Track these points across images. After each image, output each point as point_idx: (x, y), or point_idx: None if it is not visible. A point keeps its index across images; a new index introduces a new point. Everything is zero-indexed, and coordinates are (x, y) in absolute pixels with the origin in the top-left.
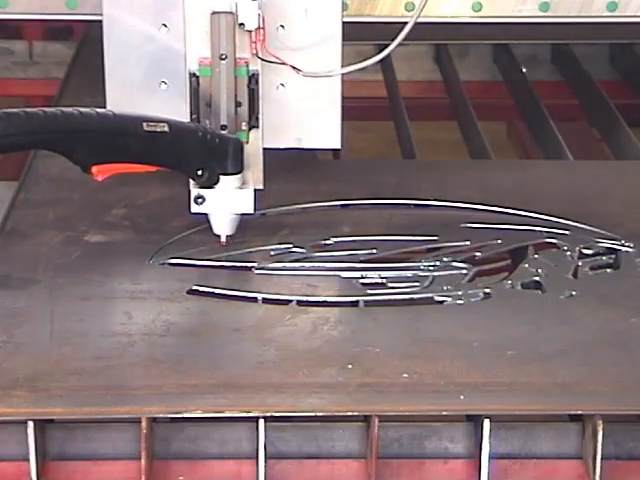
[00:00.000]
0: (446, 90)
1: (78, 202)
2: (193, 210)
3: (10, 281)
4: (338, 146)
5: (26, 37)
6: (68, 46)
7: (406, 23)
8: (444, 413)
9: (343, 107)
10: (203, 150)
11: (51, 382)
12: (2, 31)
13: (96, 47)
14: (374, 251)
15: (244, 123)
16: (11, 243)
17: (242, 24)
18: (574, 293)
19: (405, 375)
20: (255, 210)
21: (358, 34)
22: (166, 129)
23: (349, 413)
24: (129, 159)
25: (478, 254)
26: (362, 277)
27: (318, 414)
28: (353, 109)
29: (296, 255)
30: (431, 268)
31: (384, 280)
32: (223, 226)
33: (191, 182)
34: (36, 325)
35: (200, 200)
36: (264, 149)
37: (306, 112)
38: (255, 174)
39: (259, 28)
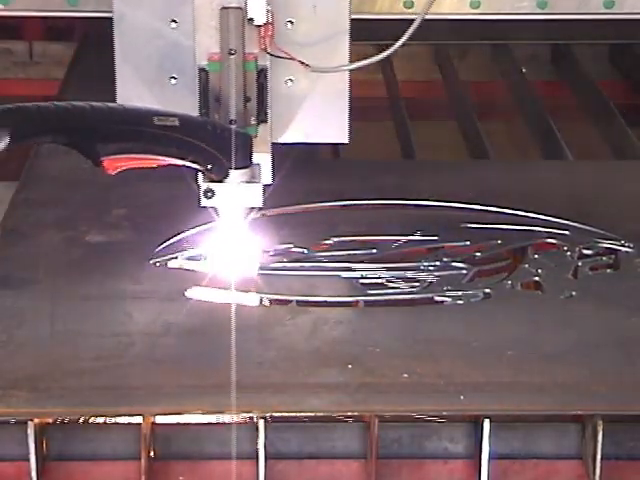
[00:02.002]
0: (446, 90)
1: (78, 202)
2: (203, 204)
3: (10, 281)
4: (346, 140)
5: (26, 37)
6: (68, 46)
7: (405, 20)
8: (444, 413)
9: None
10: (212, 144)
11: (51, 382)
12: (2, 31)
13: (96, 47)
14: (374, 251)
15: (253, 118)
16: (11, 243)
17: (251, 19)
18: (574, 293)
19: (405, 375)
20: (263, 204)
21: (356, 34)
22: (176, 123)
23: (349, 413)
24: (139, 153)
25: (478, 254)
26: (362, 277)
27: (318, 414)
28: (353, 109)
29: (296, 255)
30: (431, 268)
31: (384, 280)
32: (232, 220)
33: (200, 176)
34: (36, 325)
35: (209, 194)
36: (272, 144)
37: (314, 107)
38: (264, 168)
39: (268, 23)
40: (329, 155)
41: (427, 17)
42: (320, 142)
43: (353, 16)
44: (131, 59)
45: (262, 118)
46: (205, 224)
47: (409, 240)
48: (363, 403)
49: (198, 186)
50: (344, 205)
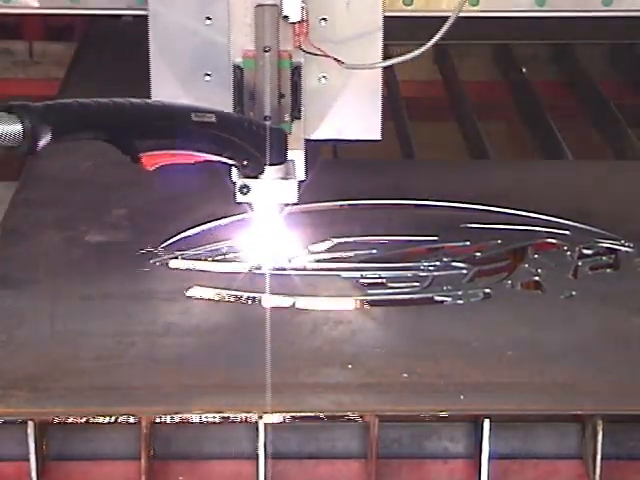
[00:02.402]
0: (446, 90)
1: (78, 202)
2: (238, 200)
3: (10, 281)
4: (378, 137)
5: (26, 37)
6: (68, 46)
7: (405, 17)
8: (444, 413)
9: None
10: (249, 140)
11: (51, 382)
12: (2, 31)
13: (96, 47)
14: (374, 251)
15: (287, 114)
16: (11, 243)
17: (286, 17)
18: (574, 293)
19: (405, 375)
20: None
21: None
22: (213, 119)
23: (349, 413)
24: (177, 149)
25: (478, 254)
26: (362, 277)
27: (318, 414)
28: None
29: (296, 255)
30: (431, 268)
31: (384, 280)
32: (266, 216)
33: (234, 172)
34: (36, 325)
35: (245, 190)
36: (305, 140)
37: (347, 104)
38: (297, 165)
39: (302, 21)
40: (329, 155)
41: (426, 15)
42: (352, 139)
43: None
44: (166, 56)
45: (296, 115)
46: (205, 223)
47: (409, 240)
48: (363, 403)
49: (233, 182)
50: (344, 205)
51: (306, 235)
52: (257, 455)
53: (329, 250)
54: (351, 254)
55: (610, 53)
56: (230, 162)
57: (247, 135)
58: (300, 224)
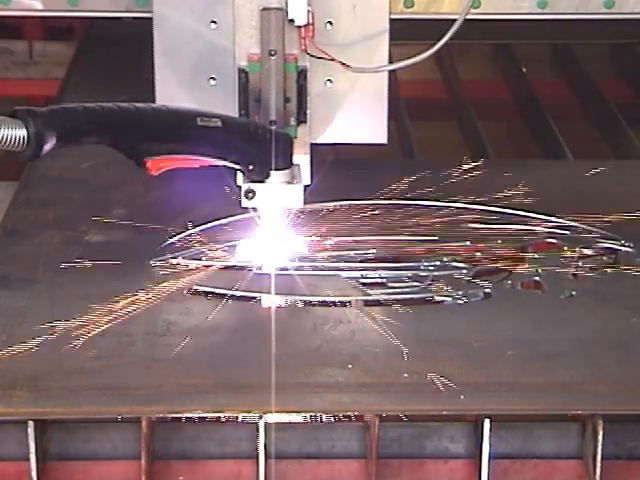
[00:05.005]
0: (446, 89)
1: (78, 202)
2: (244, 204)
3: (10, 281)
4: (384, 141)
5: (26, 37)
6: (68, 46)
7: (403, 20)
8: (444, 413)
9: None
10: (254, 145)
11: (51, 382)
12: (2, 31)
13: (96, 47)
14: (374, 251)
15: (292, 118)
16: (11, 243)
17: (292, 20)
18: (574, 293)
19: (405, 375)
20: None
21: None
22: (219, 124)
23: (349, 413)
24: (182, 153)
25: (478, 254)
26: (362, 277)
27: (318, 414)
28: None
29: (296, 255)
30: (431, 268)
31: (384, 280)
32: (272, 220)
33: (240, 176)
34: (36, 325)
35: (250, 194)
36: (311, 144)
37: (353, 107)
38: (303, 169)
39: (308, 24)
40: (329, 155)
41: (427, 17)
42: (358, 142)
43: None
44: (170, 60)
45: (301, 119)
46: (205, 223)
47: (409, 240)
48: (363, 403)
49: (239, 187)
50: (344, 205)
51: (306, 235)
52: (257, 455)
53: (329, 250)
54: (351, 254)
55: (610, 53)
56: (235, 167)
57: (252, 139)
58: (300, 224)
